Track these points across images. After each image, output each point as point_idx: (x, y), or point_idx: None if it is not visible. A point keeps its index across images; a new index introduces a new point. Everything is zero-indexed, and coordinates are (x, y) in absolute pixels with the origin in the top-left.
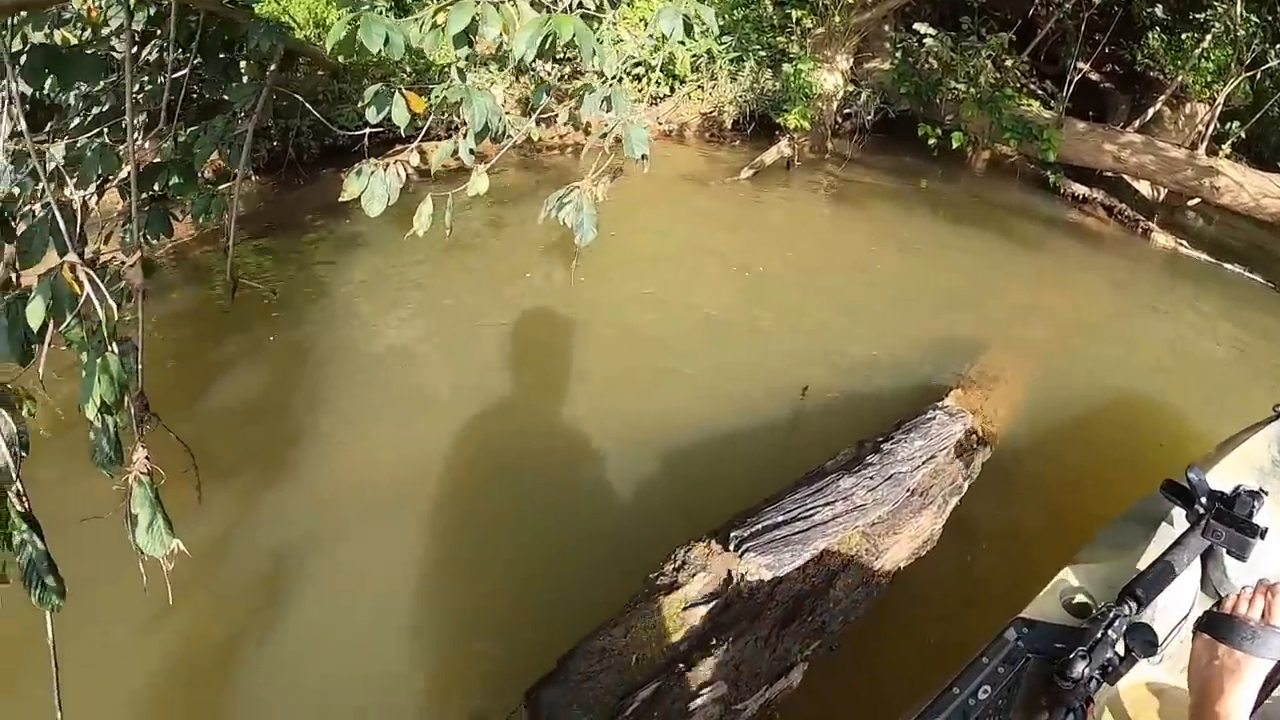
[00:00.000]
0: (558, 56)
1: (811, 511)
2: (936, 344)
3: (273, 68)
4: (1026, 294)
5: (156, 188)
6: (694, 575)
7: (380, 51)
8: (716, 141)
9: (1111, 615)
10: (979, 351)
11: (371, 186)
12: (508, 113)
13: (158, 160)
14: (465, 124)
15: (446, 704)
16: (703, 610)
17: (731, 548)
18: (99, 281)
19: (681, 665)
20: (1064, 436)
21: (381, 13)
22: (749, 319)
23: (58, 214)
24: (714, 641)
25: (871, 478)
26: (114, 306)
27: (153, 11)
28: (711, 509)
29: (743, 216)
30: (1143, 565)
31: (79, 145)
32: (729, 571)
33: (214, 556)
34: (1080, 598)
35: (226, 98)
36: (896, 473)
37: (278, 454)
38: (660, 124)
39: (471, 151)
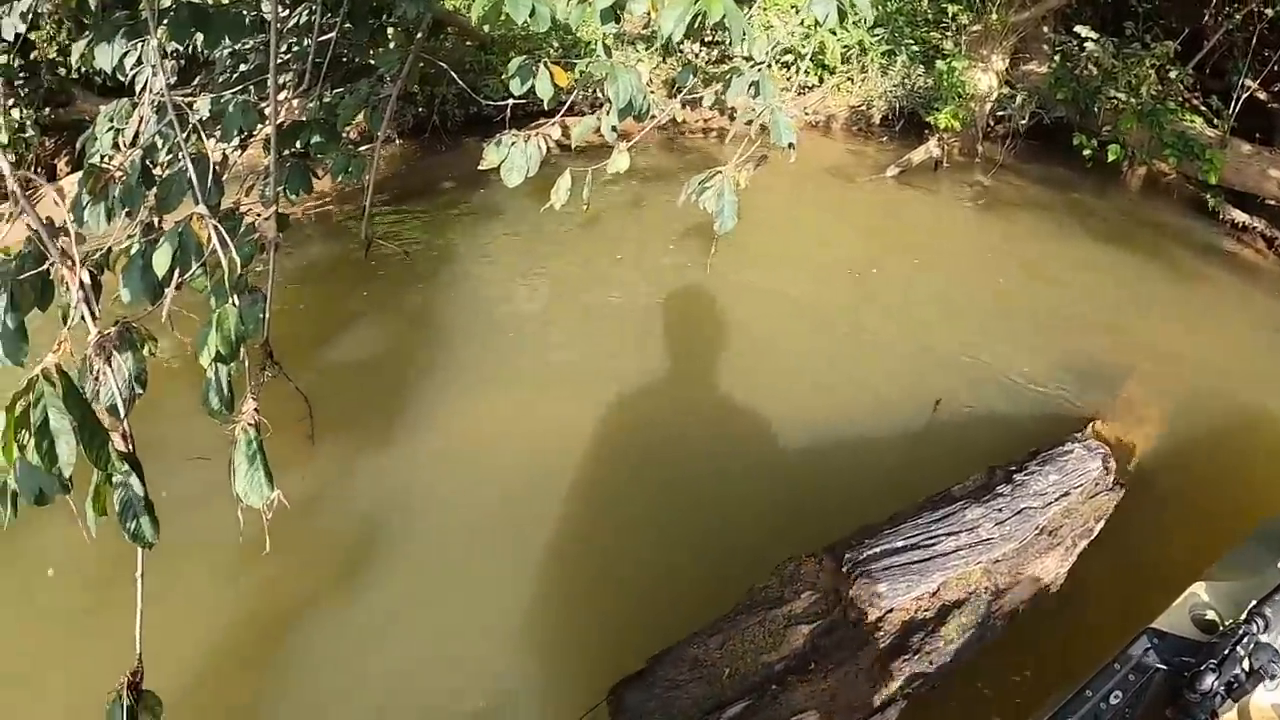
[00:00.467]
0: (706, 39)
1: (934, 540)
2: (1075, 370)
3: (420, 35)
4: (1173, 327)
5: (299, 145)
6: (801, 592)
7: (526, 23)
8: (863, 136)
9: (1240, 633)
10: (1118, 383)
11: (511, 157)
12: (652, 92)
13: (302, 119)
14: (609, 101)
15: (524, 693)
16: (805, 630)
17: (844, 568)
18: (224, 233)
19: (775, 686)
20: (1194, 469)
21: None
22: (877, 323)
23: (190, 167)
24: (813, 665)
25: (1000, 510)
26: (237, 259)
27: None
28: (828, 521)
29: (884, 216)
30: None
31: (224, 100)
32: (838, 592)
33: (313, 511)
34: (1210, 614)
35: (373, 62)
36: (1027, 508)
37: (391, 415)
38: (807, 114)
39: (614, 129)
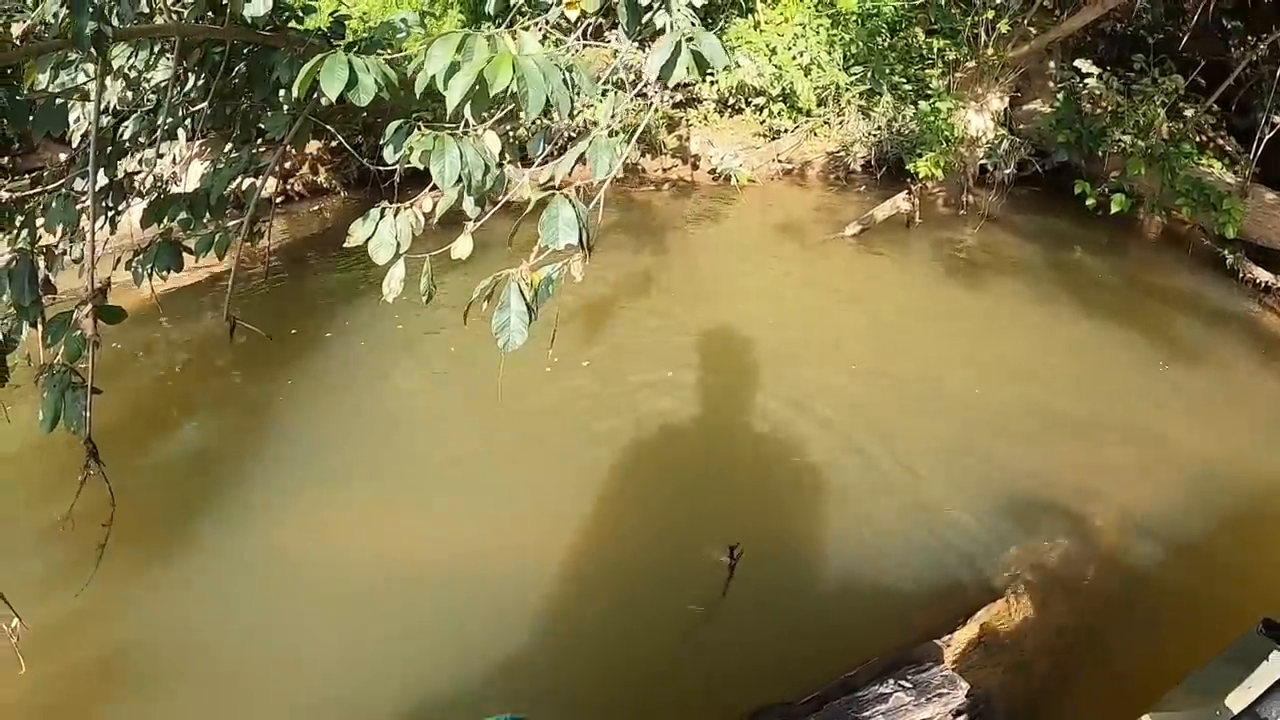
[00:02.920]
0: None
1: None
2: (1023, 507)
3: (312, 97)
4: (1167, 424)
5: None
6: None
7: (353, 95)
8: (840, 185)
9: None
10: (1074, 523)
11: (380, 233)
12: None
13: (164, 195)
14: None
15: None
16: None
17: None
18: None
19: None
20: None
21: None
22: (782, 433)
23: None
24: None
25: None
26: None
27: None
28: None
29: (830, 286)
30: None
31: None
32: None
33: (78, 631)
34: None
35: (262, 126)
36: None
37: (205, 521)
38: (780, 161)
39: (480, 204)
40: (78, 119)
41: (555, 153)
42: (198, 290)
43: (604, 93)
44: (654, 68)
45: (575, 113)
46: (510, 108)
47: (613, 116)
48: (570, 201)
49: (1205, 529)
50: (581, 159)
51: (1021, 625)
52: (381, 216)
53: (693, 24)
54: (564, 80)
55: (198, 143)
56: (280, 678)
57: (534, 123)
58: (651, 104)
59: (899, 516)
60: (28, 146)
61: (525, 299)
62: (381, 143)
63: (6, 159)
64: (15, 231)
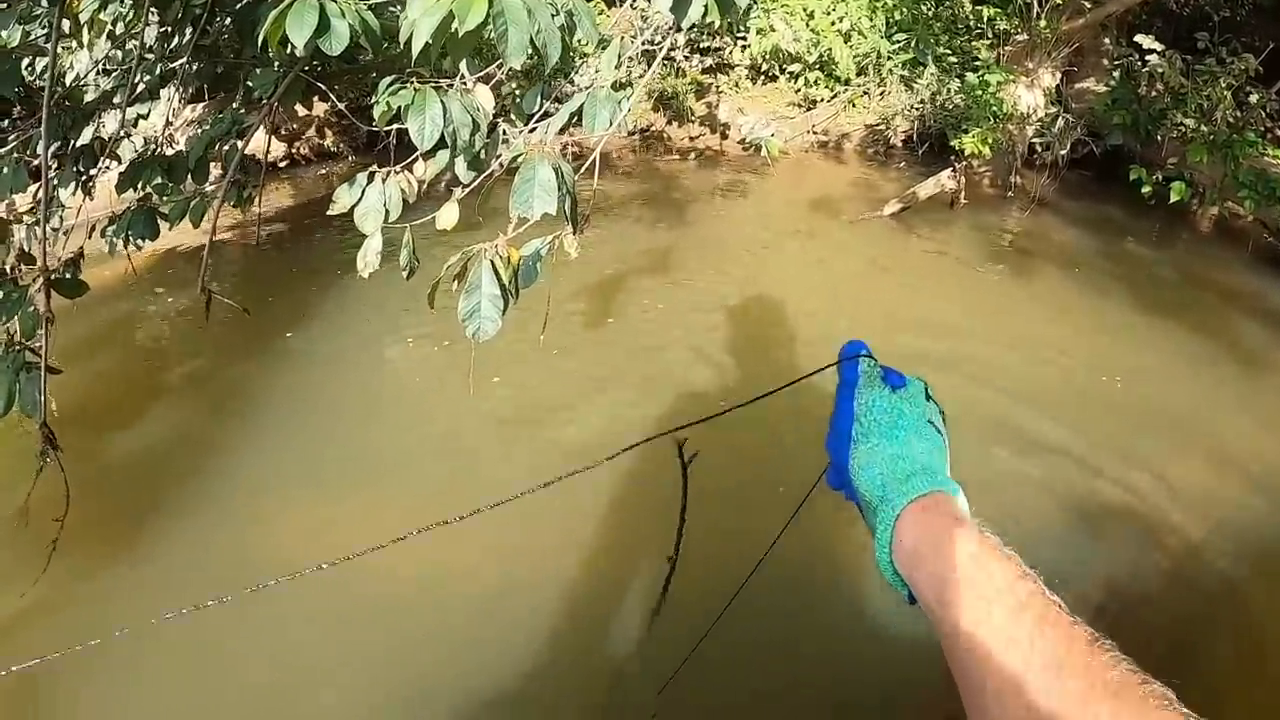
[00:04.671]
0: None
1: None
2: (1070, 519)
3: (303, 53)
4: (1231, 429)
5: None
6: None
7: (324, 43)
8: (879, 161)
9: None
10: (1114, 551)
11: (367, 199)
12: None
13: (141, 158)
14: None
15: None
16: None
17: None
18: None
19: None
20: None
21: None
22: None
23: None
24: None
25: None
26: None
27: None
28: None
29: (867, 269)
30: None
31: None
32: None
33: (19, 639)
34: None
35: (250, 84)
36: None
37: (166, 517)
38: (815, 133)
39: (474, 167)
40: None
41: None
42: (177, 261)
43: (608, 41)
44: (664, 5)
45: (573, 65)
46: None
47: (617, 66)
48: (549, 162)
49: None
50: (579, 116)
51: None
52: (370, 181)
53: None
54: (560, 23)
55: (200, 106)
56: (239, 696)
57: (539, 80)
58: (662, 51)
59: None
60: (30, 109)
61: (501, 280)
62: (373, 101)
63: (5, 121)
64: None
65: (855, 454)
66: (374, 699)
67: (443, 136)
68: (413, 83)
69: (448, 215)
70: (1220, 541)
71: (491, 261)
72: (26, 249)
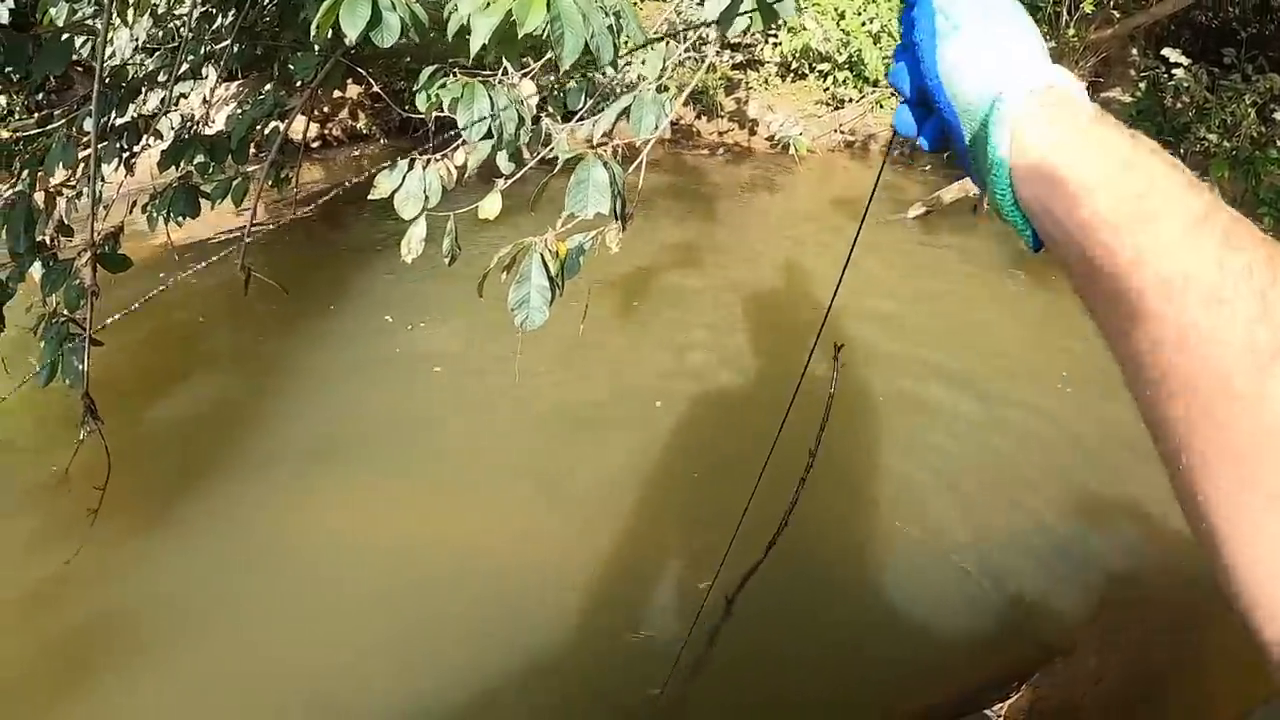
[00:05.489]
0: (733, 40)
1: None
2: (1084, 536)
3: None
4: None
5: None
6: None
7: (376, 35)
8: (905, 162)
9: None
10: (1127, 570)
11: (407, 185)
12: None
13: (183, 138)
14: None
15: None
16: None
17: None
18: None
19: None
20: None
21: None
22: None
23: None
24: None
25: None
26: None
27: None
28: None
29: (890, 272)
30: None
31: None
32: None
33: (60, 605)
34: None
35: (291, 67)
36: None
37: (202, 492)
38: (842, 133)
39: (516, 159)
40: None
41: (597, 108)
42: (219, 240)
43: (653, 42)
44: (712, 14)
45: (622, 64)
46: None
47: (662, 70)
48: (605, 162)
49: None
50: (625, 115)
51: (1083, 687)
52: (410, 168)
53: None
54: (609, 25)
55: (234, 84)
56: (271, 668)
57: (577, 73)
58: (707, 59)
59: (943, 547)
60: (63, 83)
61: (549, 272)
62: (415, 89)
63: (41, 95)
64: (16, 173)
65: (944, 56)
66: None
67: (489, 129)
68: (455, 74)
69: (490, 205)
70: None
71: (541, 255)
72: (66, 221)
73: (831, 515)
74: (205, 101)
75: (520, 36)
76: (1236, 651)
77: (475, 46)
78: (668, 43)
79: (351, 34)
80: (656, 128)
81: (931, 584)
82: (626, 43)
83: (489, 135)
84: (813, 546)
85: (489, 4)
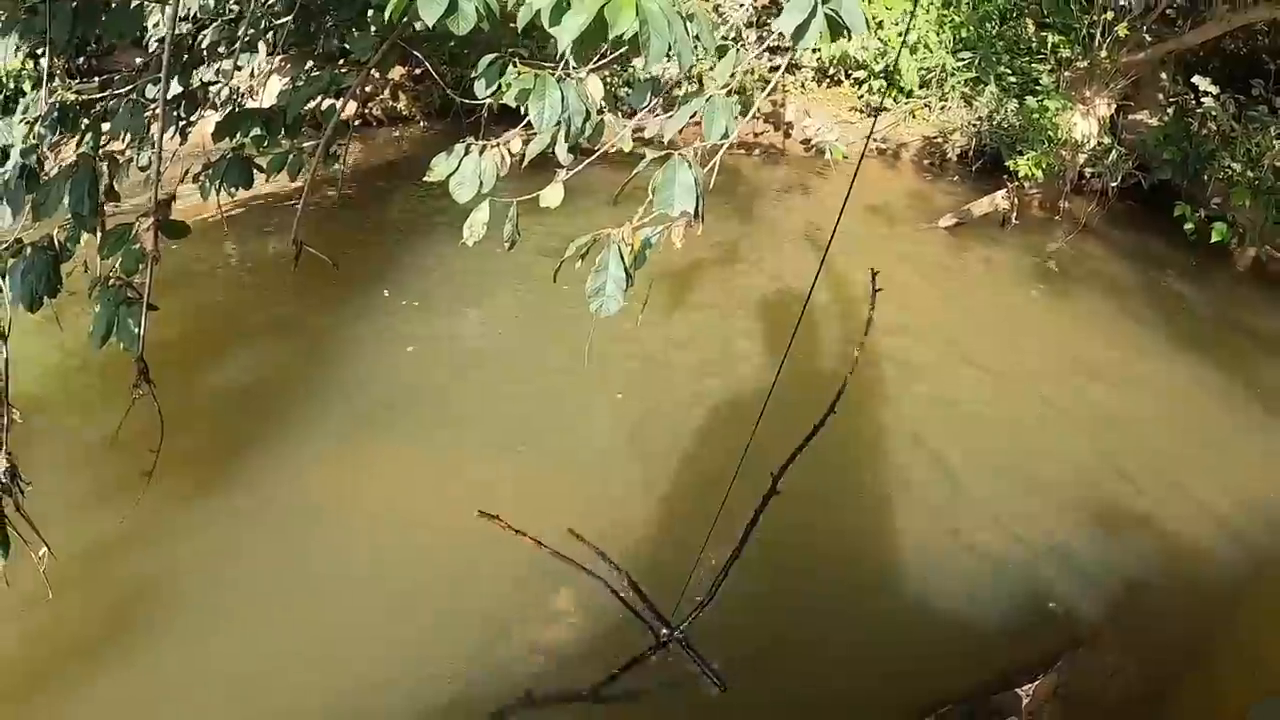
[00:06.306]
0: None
1: None
2: (1086, 558)
3: (403, 20)
4: (1255, 467)
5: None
6: None
7: (451, 23)
8: (934, 172)
9: None
10: (1135, 592)
11: (463, 170)
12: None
13: (239, 110)
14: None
15: None
16: None
17: None
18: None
19: None
20: None
21: None
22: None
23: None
24: None
25: None
26: None
27: None
28: None
29: (921, 279)
30: None
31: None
32: None
33: (119, 556)
34: None
35: (346, 46)
36: None
37: (252, 455)
38: (875, 140)
39: (573, 150)
40: (156, 24)
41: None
42: (261, 210)
43: (722, 48)
44: (787, 29)
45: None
46: (617, 54)
47: (732, 75)
48: (689, 164)
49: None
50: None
51: (1101, 679)
52: (466, 153)
53: None
54: (685, 30)
55: (277, 58)
56: (312, 632)
57: (643, 72)
58: (782, 67)
59: (958, 542)
60: (104, 48)
61: (624, 264)
62: (473, 76)
63: (82, 60)
64: (80, 135)
65: None
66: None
67: (558, 120)
68: (515, 64)
69: (553, 195)
70: (1226, 554)
71: (618, 246)
72: (115, 187)
73: (862, 520)
74: (254, 75)
75: (593, 33)
76: (1244, 654)
77: (563, 45)
78: (738, 49)
79: (430, 19)
80: (728, 132)
81: (966, 579)
82: (697, 46)
83: (556, 127)
84: (855, 547)
85: (560, 2)
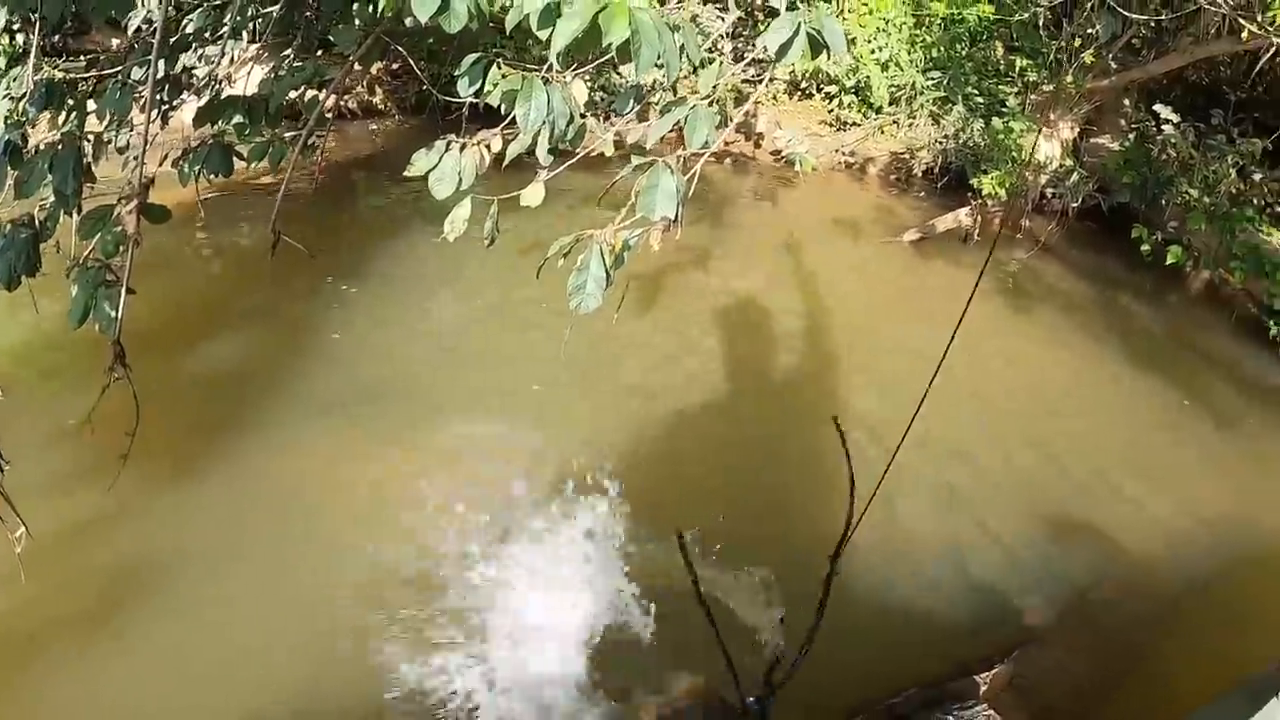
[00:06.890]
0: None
1: None
2: (1035, 560)
3: (386, 14)
4: (1196, 478)
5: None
6: None
7: (443, 21)
8: (899, 188)
9: None
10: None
11: (442, 166)
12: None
13: (220, 97)
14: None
15: None
16: None
17: None
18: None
19: None
20: None
21: None
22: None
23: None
24: None
25: None
26: None
27: None
28: None
29: (883, 290)
30: None
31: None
32: None
33: (95, 538)
34: None
35: (331, 39)
36: None
37: (226, 441)
38: (843, 153)
39: (552, 152)
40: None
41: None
42: (238, 198)
43: (704, 60)
44: (772, 46)
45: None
46: (601, 59)
47: (714, 87)
48: (672, 171)
49: (1226, 577)
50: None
51: (1054, 671)
52: (446, 150)
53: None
54: (672, 41)
55: (253, 46)
56: (285, 617)
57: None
58: (763, 82)
59: (934, 541)
60: (80, 27)
61: (605, 264)
62: (456, 74)
63: (57, 38)
64: (65, 115)
65: None
66: None
67: (543, 121)
68: (499, 64)
69: (534, 194)
70: (1169, 558)
71: (600, 247)
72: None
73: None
74: (231, 62)
75: (587, 39)
76: (1188, 656)
77: (555, 50)
78: (721, 62)
79: (423, 17)
80: (708, 141)
81: (930, 579)
82: (684, 57)
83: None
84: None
85: (550, 8)
